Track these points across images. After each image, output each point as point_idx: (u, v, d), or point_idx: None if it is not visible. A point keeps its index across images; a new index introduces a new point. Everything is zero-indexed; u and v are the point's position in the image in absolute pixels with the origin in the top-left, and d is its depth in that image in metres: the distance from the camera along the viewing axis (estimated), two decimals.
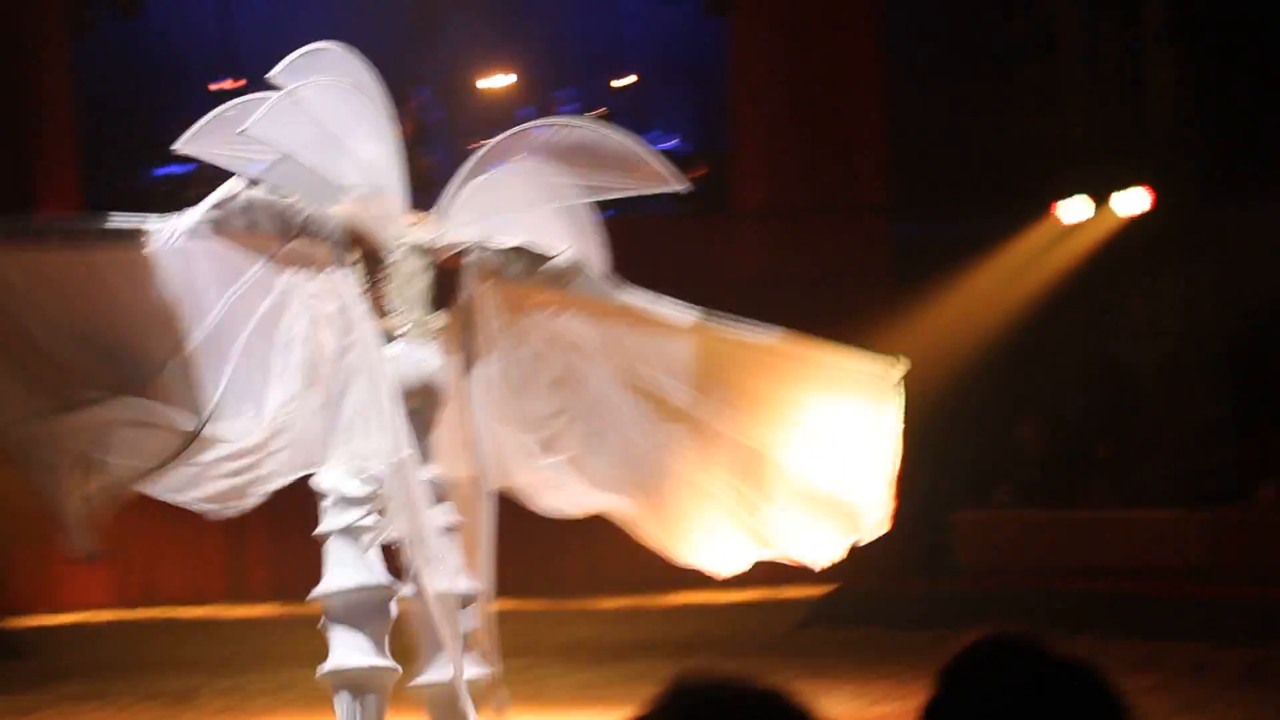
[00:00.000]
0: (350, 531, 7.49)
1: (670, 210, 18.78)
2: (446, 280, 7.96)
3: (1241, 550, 14.54)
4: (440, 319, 7.82)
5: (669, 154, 18.86)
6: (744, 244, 17.93)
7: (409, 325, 7.65)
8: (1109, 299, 16.61)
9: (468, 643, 7.62)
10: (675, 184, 8.28)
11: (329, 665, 7.56)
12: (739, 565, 8.50)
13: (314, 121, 7.56)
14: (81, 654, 14.22)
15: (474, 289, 7.92)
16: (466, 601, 7.66)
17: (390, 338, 7.63)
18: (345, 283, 7.56)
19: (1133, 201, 16.01)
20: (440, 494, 7.68)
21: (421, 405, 7.65)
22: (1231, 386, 16.42)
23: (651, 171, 8.25)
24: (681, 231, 18.36)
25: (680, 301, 8.75)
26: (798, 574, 16.26)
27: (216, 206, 7.43)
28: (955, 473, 16.53)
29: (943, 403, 16.58)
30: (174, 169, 18.43)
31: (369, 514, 7.48)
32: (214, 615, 15.37)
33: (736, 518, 8.32)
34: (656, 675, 1.74)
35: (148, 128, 19.01)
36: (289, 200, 7.52)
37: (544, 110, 19.81)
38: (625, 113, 19.69)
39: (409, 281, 7.69)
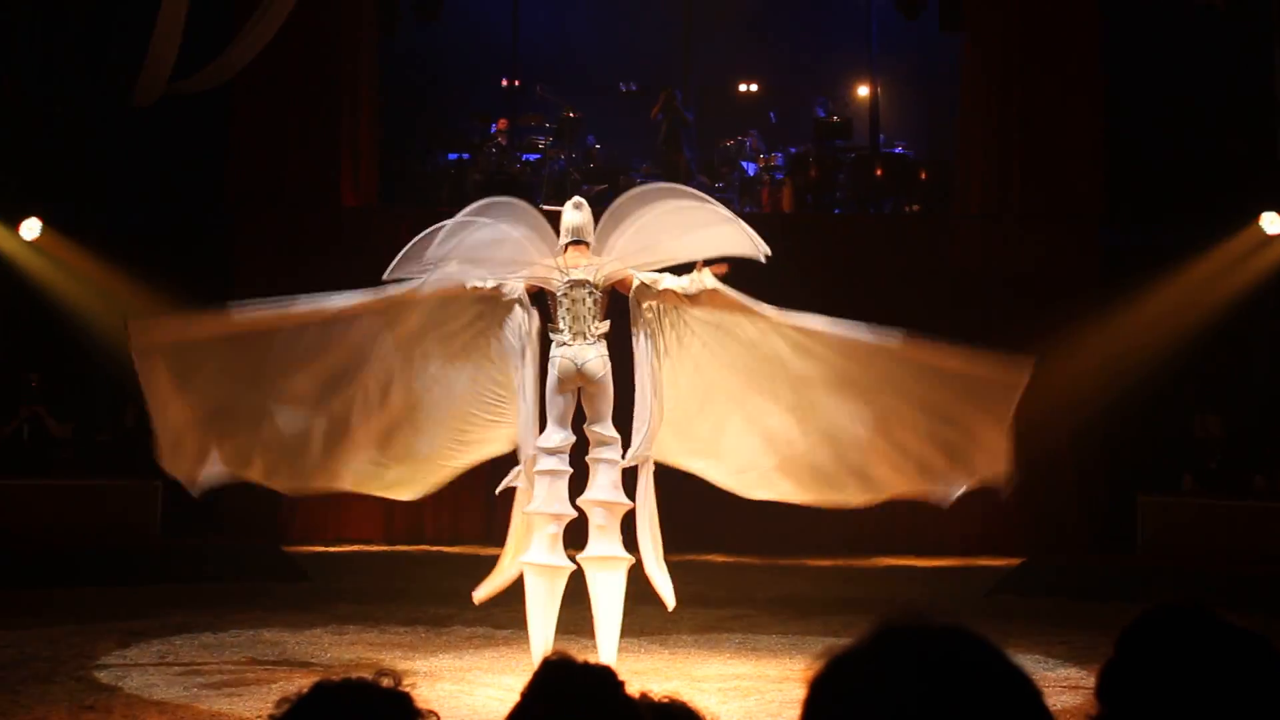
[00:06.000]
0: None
1: (897, 211, 18.71)
2: (618, 297, 9.66)
3: None
4: (603, 327, 9.54)
5: (896, 158, 19.03)
6: (962, 244, 17.73)
7: (571, 333, 9.48)
8: None
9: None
10: (757, 253, 9.39)
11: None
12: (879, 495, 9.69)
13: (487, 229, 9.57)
14: (353, 580, 14.53)
15: (641, 302, 9.58)
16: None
17: (560, 343, 9.53)
18: (521, 315, 9.55)
19: None
20: (601, 441, 9.58)
21: (584, 386, 9.55)
22: None
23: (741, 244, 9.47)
24: (906, 229, 18.23)
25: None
26: (991, 546, 16.29)
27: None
28: (1143, 459, 16.26)
29: (1136, 396, 16.32)
30: (460, 155, 18.82)
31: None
32: (469, 553, 15.50)
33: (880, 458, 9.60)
34: (858, 628, 1.75)
35: (440, 118, 19.42)
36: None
37: (787, 116, 19.89)
38: (862, 119, 19.69)
39: (575, 304, 9.49)
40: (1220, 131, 16.63)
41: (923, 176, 18.99)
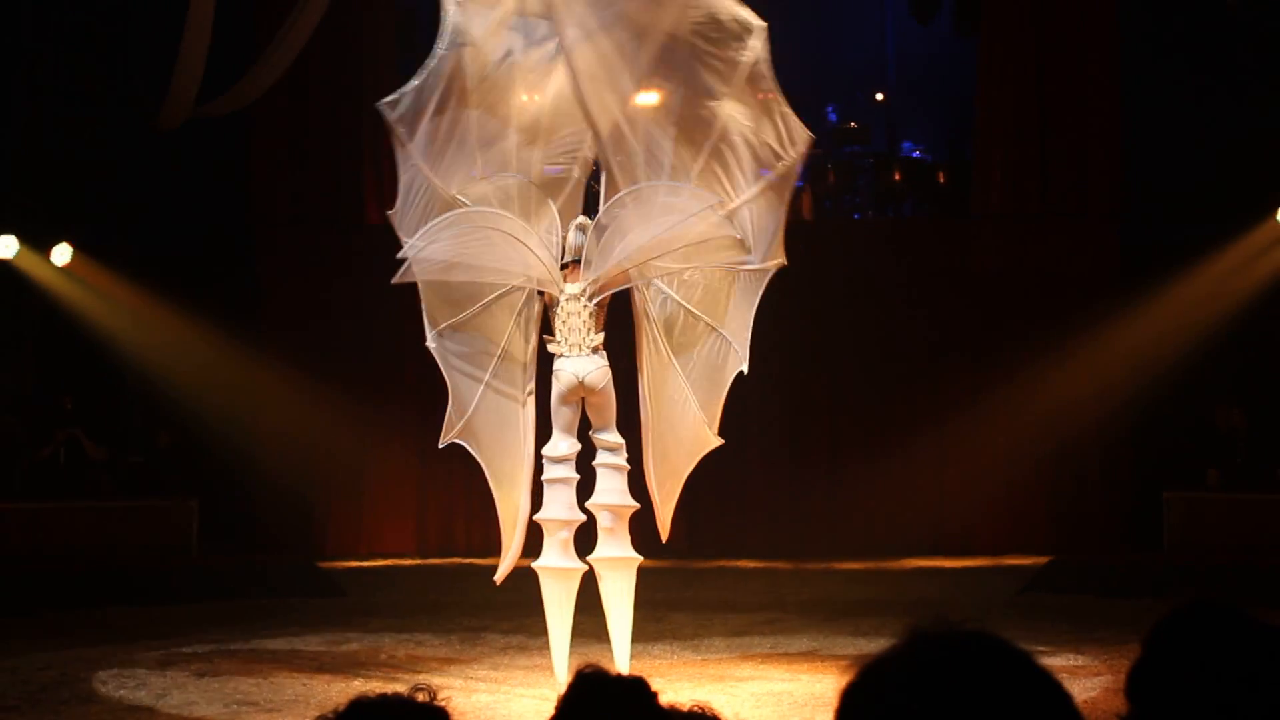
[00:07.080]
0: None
1: (916, 213, 18.67)
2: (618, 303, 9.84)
3: None
4: (598, 339, 9.66)
5: (913, 162, 18.96)
6: (981, 245, 17.71)
7: (569, 345, 9.63)
8: None
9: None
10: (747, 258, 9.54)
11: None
12: None
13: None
14: (388, 594, 14.57)
15: (640, 302, 9.74)
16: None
17: (559, 355, 9.68)
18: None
19: None
20: (606, 447, 9.77)
21: (587, 397, 9.69)
22: None
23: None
24: (927, 232, 18.21)
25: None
26: (1017, 545, 16.25)
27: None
28: (1168, 455, 16.20)
29: (1160, 392, 16.26)
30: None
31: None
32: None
33: None
34: (889, 631, 1.75)
35: None
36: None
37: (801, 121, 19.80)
38: (879, 124, 19.63)
39: (571, 317, 9.63)
40: (1238, 127, 16.56)
41: (941, 179, 18.95)
